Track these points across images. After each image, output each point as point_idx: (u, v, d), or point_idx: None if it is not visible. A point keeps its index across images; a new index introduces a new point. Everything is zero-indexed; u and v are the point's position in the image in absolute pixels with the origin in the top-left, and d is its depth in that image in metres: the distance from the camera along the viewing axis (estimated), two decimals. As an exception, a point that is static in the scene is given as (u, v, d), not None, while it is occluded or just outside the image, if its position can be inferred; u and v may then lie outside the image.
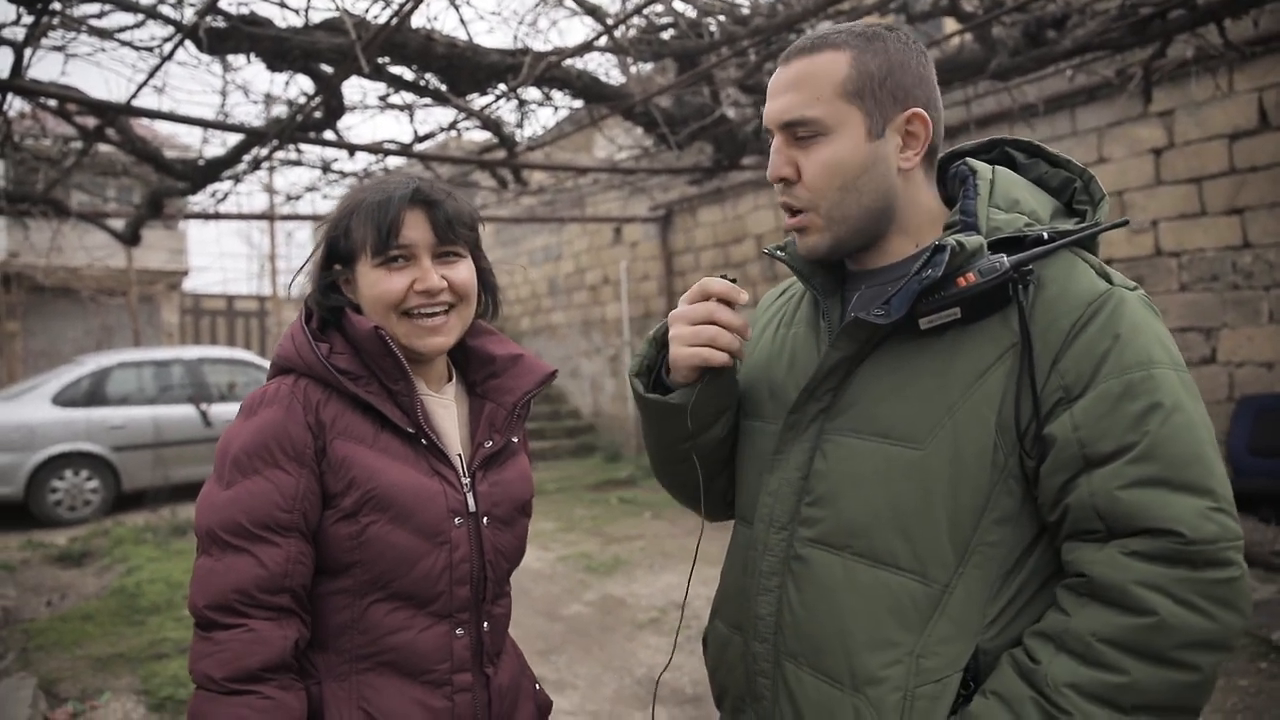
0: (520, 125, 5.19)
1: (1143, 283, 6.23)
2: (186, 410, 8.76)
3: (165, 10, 3.67)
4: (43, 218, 6.17)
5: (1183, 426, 0.96)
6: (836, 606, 1.07)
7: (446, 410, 1.33)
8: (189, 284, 17.08)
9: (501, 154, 5.69)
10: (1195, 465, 0.95)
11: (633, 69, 5.06)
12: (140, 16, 3.77)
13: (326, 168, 6.20)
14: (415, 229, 1.23)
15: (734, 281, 1.14)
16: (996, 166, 1.15)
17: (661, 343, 1.22)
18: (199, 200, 7.62)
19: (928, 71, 1.12)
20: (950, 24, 6.32)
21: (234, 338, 17.29)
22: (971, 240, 1.02)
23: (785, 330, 1.26)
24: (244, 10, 3.70)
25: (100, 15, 4.03)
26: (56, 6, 3.72)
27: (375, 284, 1.24)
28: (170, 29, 3.70)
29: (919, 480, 1.03)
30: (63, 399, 8.28)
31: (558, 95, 4.75)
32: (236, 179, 5.93)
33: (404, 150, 5.37)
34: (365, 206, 1.24)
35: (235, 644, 1.12)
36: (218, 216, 7.14)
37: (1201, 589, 0.92)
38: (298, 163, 5.87)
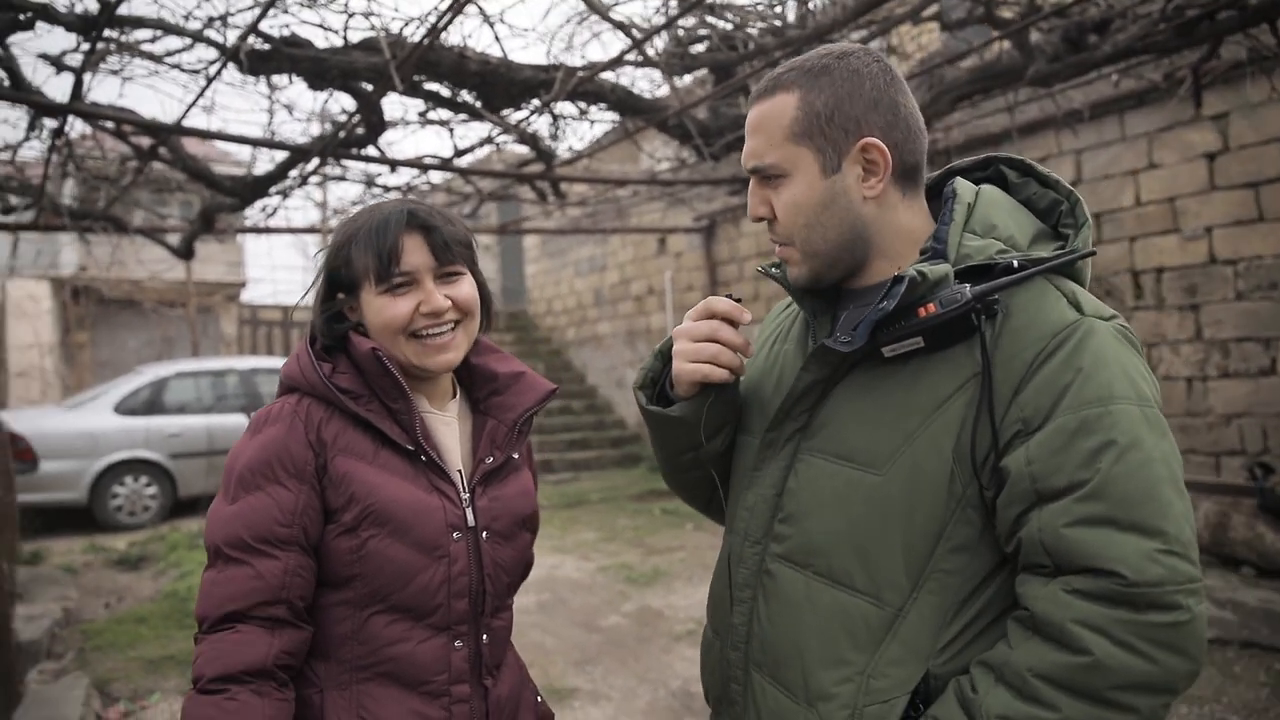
0: (554, 139, 5.26)
1: (1195, 292, 6.05)
2: (239, 419, 9.01)
3: (211, 34, 3.80)
4: (104, 233, 6.42)
5: (1137, 465, 0.94)
6: (797, 622, 1.10)
7: (449, 427, 1.36)
8: (246, 295, 17.56)
9: (539, 167, 5.76)
10: (1146, 505, 0.93)
11: (678, 81, 5.09)
12: (189, 40, 3.91)
13: (371, 182, 6.35)
14: (415, 253, 1.26)
15: (739, 301, 1.17)
16: (983, 187, 1.15)
17: (666, 356, 1.25)
18: (252, 215, 7.86)
19: (885, 94, 1.10)
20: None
21: (290, 348, 17.73)
22: (936, 270, 1.02)
23: (780, 346, 1.28)
24: (285, 32, 3.82)
25: (153, 40, 4.20)
26: (110, 34, 3.88)
27: (381, 310, 1.27)
28: (215, 52, 3.83)
29: (877, 505, 1.05)
30: (124, 408, 8.59)
31: (593, 109, 4.80)
32: (284, 194, 6.10)
33: (444, 165, 5.47)
34: (363, 234, 1.27)
35: (223, 645, 1.16)
36: (268, 230, 7.36)
37: (1142, 631, 0.91)
38: (342, 178, 6.02)
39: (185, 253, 6.58)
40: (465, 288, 1.31)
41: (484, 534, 1.31)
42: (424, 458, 1.28)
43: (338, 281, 1.31)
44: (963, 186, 1.13)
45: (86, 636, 5.05)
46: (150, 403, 8.75)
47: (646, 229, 11.26)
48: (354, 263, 1.28)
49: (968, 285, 1.01)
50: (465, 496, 1.31)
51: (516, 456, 1.40)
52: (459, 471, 1.34)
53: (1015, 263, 1.03)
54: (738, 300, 1.17)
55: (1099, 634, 0.91)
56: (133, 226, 6.46)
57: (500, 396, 1.40)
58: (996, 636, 1.01)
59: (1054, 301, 1.02)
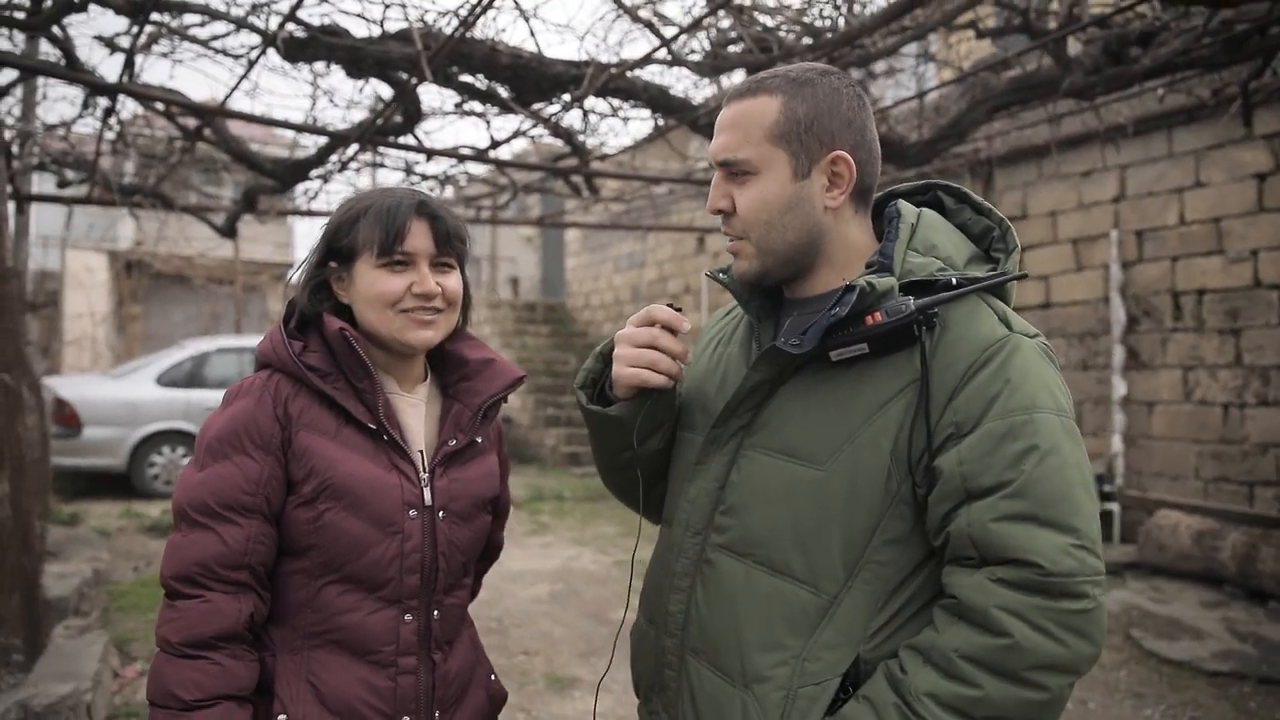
0: (585, 134, 5.30)
1: (1237, 316, 5.89)
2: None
3: (254, 20, 3.90)
4: (152, 210, 6.62)
5: (1056, 468, 1.03)
6: (735, 609, 1.15)
7: (415, 409, 1.41)
8: (292, 276, 17.94)
9: (573, 161, 5.81)
10: (1063, 504, 1.02)
11: (713, 82, 5.09)
12: (233, 26, 4.02)
13: (409, 170, 6.46)
14: (419, 237, 1.33)
15: (679, 310, 1.22)
16: (924, 210, 1.22)
17: (607, 358, 1.30)
18: (296, 197, 8.04)
19: (858, 116, 1.18)
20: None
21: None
22: (883, 282, 1.09)
23: (723, 349, 1.34)
24: (325, 21, 3.91)
25: (201, 24, 4.33)
26: (159, 18, 4.01)
27: (375, 283, 1.32)
28: (258, 37, 3.94)
29: (818, 499, 1.11)
30: (165, 379, 8.86)
31: (625, 106, 4.83)
32: (324, 178, 6.23)
33: (479, 155, 5.55)
34: (374, 211, 1.33)
35: (192, 613, 1.21)
36: (309, 213, 7.52)
37: (1055, 617, 1.00)
38: (381, 165, 6.13)
39: (228, 231, 6.75)
40: (454, 281, 1.38)
41: (440, 513, 1.35)
42: (385, 437, 1.33)
43: (336, 249, 1.36)
44: (906, 208, 1.21)
45: (113, 597, 5.23)
46: (191, 375, 9.00)
47: (685, 228, 11.27)
48: (359, 233, 1.33)
49: (911, 298, 1.09)
50: (424, 476, 1.35)
51: (481, 440, 1.44)
52: (420, 452, 1.38)
53: (954, 280, 1.12)
54: (679, 310, 1.22)
55: (1018, 618, 1.00)
56: (179, 204, 6.65)
57: (469, 382, 1.44)
58: (922, 623, 1.09)
59: (986, 317, 1.11)
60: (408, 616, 1.32)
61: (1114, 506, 6.42)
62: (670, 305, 1.22)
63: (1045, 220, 7.10)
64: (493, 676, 1.49)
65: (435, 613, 1.35)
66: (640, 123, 6.32)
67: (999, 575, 1.01)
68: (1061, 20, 3.91)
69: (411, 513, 1.31)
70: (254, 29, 3.91)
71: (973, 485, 1.04)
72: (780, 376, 1.16)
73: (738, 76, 4.78)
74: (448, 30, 3.82)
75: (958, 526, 1.05)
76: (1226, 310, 5.96)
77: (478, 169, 7.61)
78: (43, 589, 4.59)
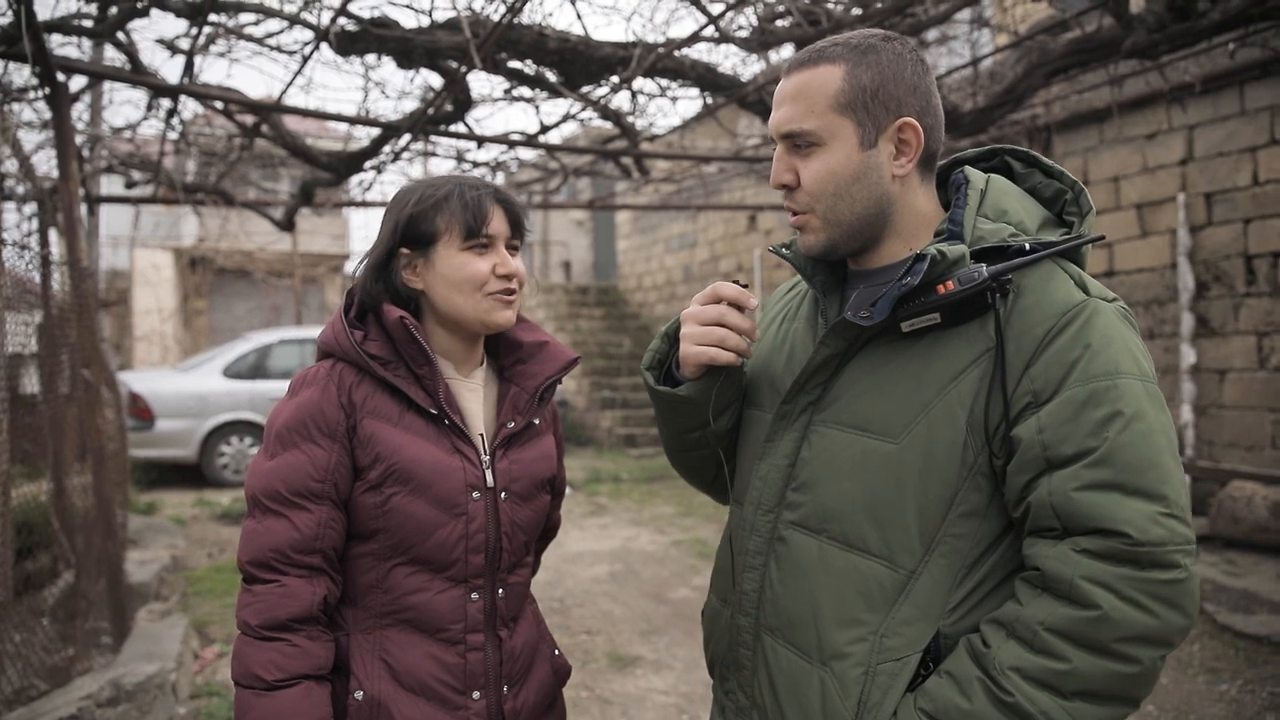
0: (633, 114, 5.28)
1: (1315, 278, 5.65)
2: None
3: (307, 16, 3.98)
4: (214, 206, 6.81)
5: (1141, 434, 1.00)
6: (811, 585, 1.14)
7: (473, 393, 1.44)
8: (351, 267, 18.28)
9: (623, 143, 5.81)
10: (1150, 471, 0.99)
11: (769, 56, 5.04)
12: (286, 23, 4.11)
13: (460, 158, 6.53)
14: (499, 222, 1.38)
15: (746, 287, 1.20)
16: (992, 176, 1.19)
17: (674, 338, 1.29)
18: (352, 189, 8.19)
19: (923, 82, 1.16)
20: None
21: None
22: (954, 249, 1.07)
23: (789, 324, 1.32)
24: (375, 13, 3.96)
25: (256, 23, 4.43)
26: (216, 19, 4.11)
27: (464, 265, 1.36)
28: (310, 33, 4.01)
29: (892, 472, 1.09)
30: (231, 371, 9.13)
31: (673, 86, 4.80)
32: (379, 169, 6.33)
33: (529, 140, 5.58)
34: (456, 196, 1.37)
35: (270, 597, 1.26)
36: (364, 204, 7.65)
37: (1145, 587, 0.97)
38: (433, 153, 6.21)
39: (286, 225, 6.91)
40: (521, 264, 1.42)
41: (503, 494, 1.38)
42: (446, 421, 1.36)
43: (413, 233, 1.38)
44: (974, 174, 1.18)
45: (190, 582, 5.45)
46: (255, 367, 9.26)
47: (736, 206, 11.19)
48: (438, 219, 1.37)
49: (984, 265, 1.06)
50: (485, 458, 1.39)
51: (538, 422, 1.46)
52: (481, 435, 1.41)
53: (1027, 245, 1.09)
54: (745, 286, 1.20)
55: (1106, 590, 0.97)
56: (239, 200, 6.83)
57: (524, 365, 1.47)
58: (1003, 597, 1.07)
59: (1062, 282, 1.08)
60: (474, 595, 1.35)
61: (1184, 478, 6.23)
62: (737, 282, 1.20)
63: (1108, 186, 6.88)
64: (556, 652, 1.52)
65: (500, 591, 1.38)
66: (689, 102, 6.28)
67: (1084, 546, 0.99)
68: (1123, -23, 3.77)
69: (475, 494, 1.35)
70: (307, 24, 3.99)
71: (1053, 454, 1.01)
72: (849, 350, 1.15)
73: (786, 51, 4.72)
74: (495, 17, 3.85)
75: (1039, 496, 1.02)
76: (1305, 273, 5.72)
77: (528, 154, 7.66)
78: (126, 574, 4.81)
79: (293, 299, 14.45)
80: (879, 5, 4.09)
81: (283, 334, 9.87)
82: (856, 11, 4.21)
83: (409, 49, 3.93)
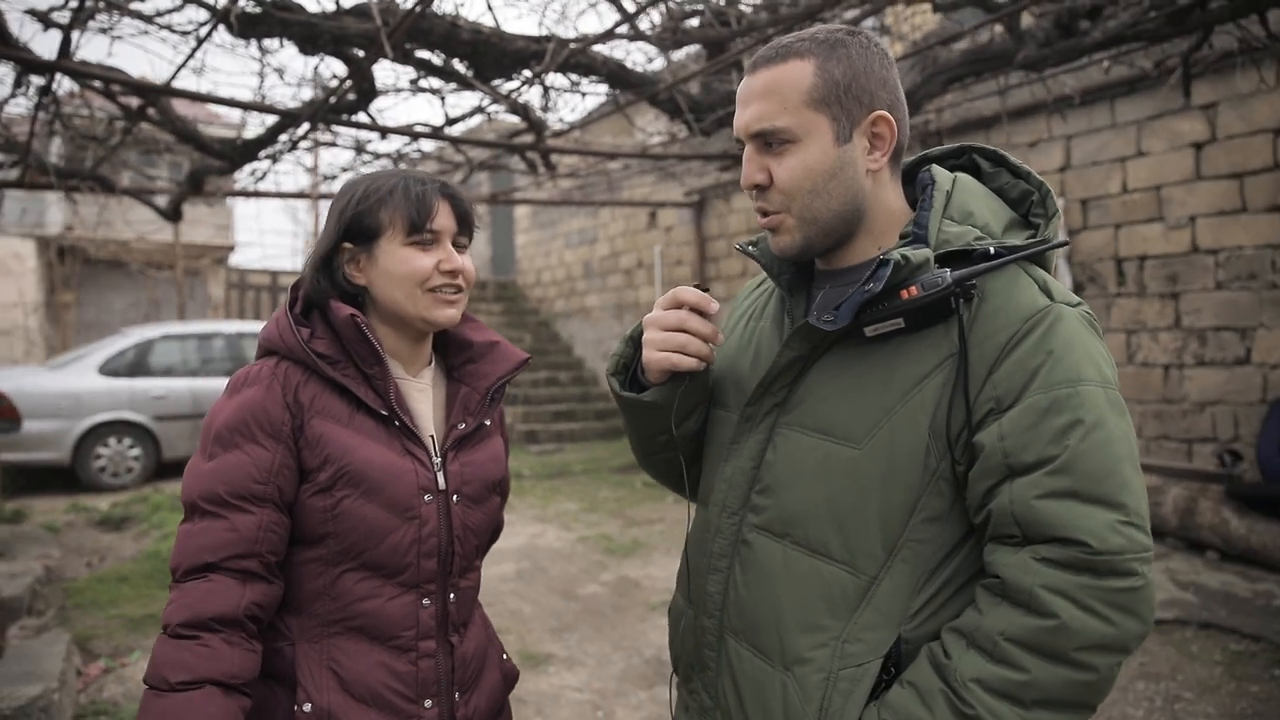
0: (545, 110, 5.24)
1: (1176, 280, 6.11)
2: (225, 383, 9.00)
3: (202, -5, 3.77)
4: (91, 193, 6.38)
5: (1101, 443, 1.00)
6: (774, 590, 1.13)
7: (422, 393, 1.40)
8: (235, 259, 17.46)
9: (530, 138, 5.75)
10: (1109, 480, 1.00)
11: (674, 55, 5.08)
12: (179, 1, 3.88)
13: (361, 149, 6.32)
14: (445, 217, 1.34)
15: (707, 291, 1.19)
16: (959, 175, 1.18)
17: (637, 342, 1.27)
18: (241, 178, 7.81)
19: (890, 74, 1.15)
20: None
21: (277, 313, 17.64)
22: (918, 254, 1.06)
23: (755, 323, 1.31)
24: (277, -5, 3.79)
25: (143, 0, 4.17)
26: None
27: (406, 260, 1.32)
28: (205, 13, 3.81)
29: (855, 477, 1.09)
30: (108, 369, 8.57)
31: (584, 81, 4.79)
32: (274, 159, 6.07)
33: (435, 133, 5.46)
34: (400, 190, 1.33)
35: (194, 593, 1.19)
36: (257, 194, 7.32)
37: (1103, 596, 0.97)
38: (333, 143, 5.99)
39: (173, 215, 6.54)
40: (469, 261, 1.39)
41: (454, 497, 1.35)
42: (397, 423, 1.32)
43: (358, 228, 1.34)
44: (940, 174, 1.17)
45: (68, 594, 5.09)
46: (135, 364, 8.73)
47: (637, 203, 11.25)
48: (382, 213, 1.32)
49: (948, 270, 1.05)
50: (437, 461, 1.35)
51: (488, 423, 1.44)
52: (431, 436, 1.38)
53: (992, 249, 1.08)
54: (706, 290, 1.19)
55: (1064, 598, 0.97)
56: (120, 187, 6.42)
57: (474, 364, 1.44)
58: (964, 602, 1.07)
59: (1026, 287, 1.07)
60: (426, 601, 1.32)
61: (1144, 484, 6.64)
62: (699, 286, 1.19)
63: (993, 190, 7.25)
64: (505, 656, 1.51)
65: (452, 596, 1.36)
66: (594, 98, 6.28)
67: (1044, 554, 0.99)
68: (1016, -7, 3.98)
69: (427, 497, 1.31)
70: (201, 3, 3.78)
71: (1015, 461, 1.01)
72: (814, 352, 1.14)
73: (695, 51, 4.77)
74: (406, 5, 3.74)
75: (1000, 504, 1.02)
76: (1166, 275, 6.18)
77: (429, 146, 7.48)
78: (-5, 588, 4.46)
79: (174, 292, 13.68)
80: (786, 10, 4.18)
81: (165, 329, 9.33)
82: (764, 16, 4.30)
83: (314, 34, 3.78)
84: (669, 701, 1.36)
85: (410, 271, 1.32)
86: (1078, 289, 6.69)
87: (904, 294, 1.05)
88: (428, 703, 1.31)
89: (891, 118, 1.12)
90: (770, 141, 1.13)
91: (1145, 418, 6.31)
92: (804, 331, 1.12)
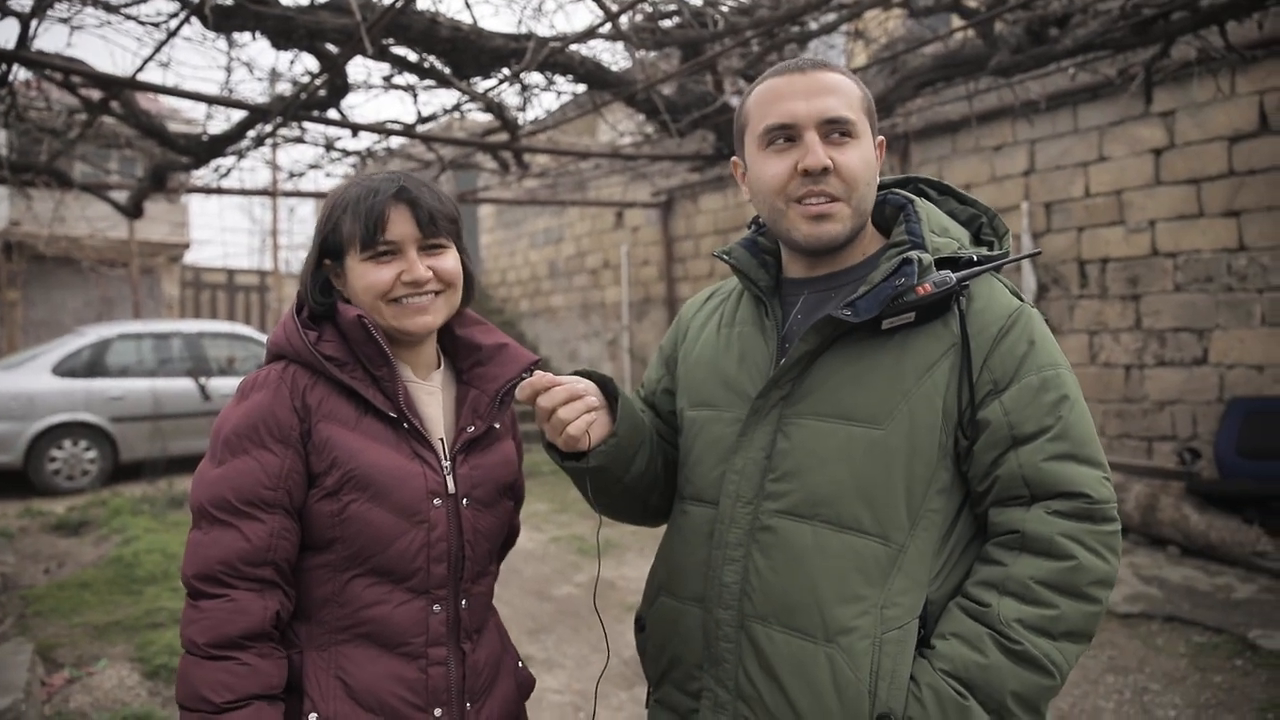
0: (523, 109, 5.21)
1: (1137, 283, 6.27)
2: (185, 383, 8.81)
3: (171, -14, 3.68)
4: (45, 188, 6.19)
5: (1081, 414, 1.20)
6: (806, 568, 1.20)
7: (431, 396, 1.38)
8: (190, 257, 17.08)
9: (504, 137, 5.71)
10: (1091, 444, 1.19)
11: (640, 55, 5.07)
12: (146, -9, 3.78)
13: (330, 146, 6.22)
14: (401, 224, 1.30)
15: (538, 366, 1.31)
16: (922, 200, 1.34)
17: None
18: (202, 175, 7.64)
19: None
20: (955, 19, 6.31)
21: (234, 312, 17.32)
22: (925, 257, 1.21)
23: (729, 329, 1.40)
24: (250, -12, 3.71)
25: (106, -12, 4.05)
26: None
27: (363, 275, 1.30)
28: (176, 4, 3.72)
29: (880, 456, 1.20)
30: (63, 369, 8.33)
31: (560, 80, 4.77)
32: (240, 155, 5.95)
33: (407, 131, 5.39)
34: (352, 203, 1.30)
35: (218, 613, 1.18)
36: (220, 191, 7.16)
37: (1100, 538, 1.16)
38: (301, 140, 5.89)
39: (134, 211, 6.38)
40: (449, 260, 1.35)
41: (464, 501, 1.34)
42: (406, 425, 1.31)
43: (327, 247, 1.33)
44: (912, 196, 1.33)
45: (27, 602, 4.94)
46: (91, 364, 8.49)
47: (604, 202, 11.23)
48: (342, 229, 1.31)
49: (949, 271, 1.20)
50: (446, 464, 1.34)
51: (499, 426, 1.42)
52: (440, 440, 1.36)
53: (974, 257, 1.24)
54: (533, 372, 1.28)
55: (1077, 543, 1.14)
56: (77, 182, 6.23)
57: (483, 367, 1.43)
58: (969, 561, 1.22)
59: (1001, 290, 1.26)
60: (436, 607, 1.30)
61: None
62: (524, 377, 1.31)
63: (959, 193, 7.37)
64: (520, 664, 1.49)
65: (463, 602, 1.34)
66: (564, 96, 6.25)
67: (1055, 508, 1.15)
68: (989, 1, 4.04)
69: (436, 501, 1.30)
70: (172, -5, 3.69)
71: (1018, 432, 1.17)
72: (821, 346, 1.24)
73: (673, 51, 4.77)
74: (383, 0, 3.69)
75: (1008, 469, 1.18)
76: (1127, 278, 6.33)
77: (398, 144, 7.39)
78: (-50, 596, 4.31)
79: (127, 290, 13.34)
80: (764, 14, 4.20)
81: (122, 328, 9.10)
82: (742, 19, 4.31)
83: (289, 28, 3.71)
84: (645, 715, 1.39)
85: (367, 286, 1.30)
86: (1042, 291, 6.83)
87: (919, 290, 1.18)
88: (438, 711, 1.29)
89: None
90: (839, 131, 1.24)
91: (1107, 416, 6.46)
92: (822, 325, 1.21)
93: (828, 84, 1.25)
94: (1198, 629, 4.24)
